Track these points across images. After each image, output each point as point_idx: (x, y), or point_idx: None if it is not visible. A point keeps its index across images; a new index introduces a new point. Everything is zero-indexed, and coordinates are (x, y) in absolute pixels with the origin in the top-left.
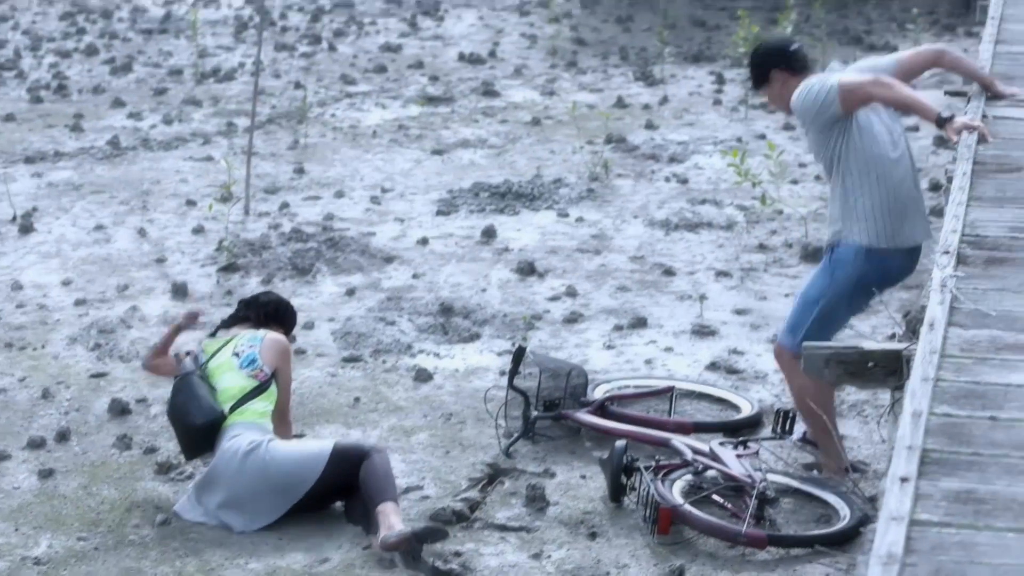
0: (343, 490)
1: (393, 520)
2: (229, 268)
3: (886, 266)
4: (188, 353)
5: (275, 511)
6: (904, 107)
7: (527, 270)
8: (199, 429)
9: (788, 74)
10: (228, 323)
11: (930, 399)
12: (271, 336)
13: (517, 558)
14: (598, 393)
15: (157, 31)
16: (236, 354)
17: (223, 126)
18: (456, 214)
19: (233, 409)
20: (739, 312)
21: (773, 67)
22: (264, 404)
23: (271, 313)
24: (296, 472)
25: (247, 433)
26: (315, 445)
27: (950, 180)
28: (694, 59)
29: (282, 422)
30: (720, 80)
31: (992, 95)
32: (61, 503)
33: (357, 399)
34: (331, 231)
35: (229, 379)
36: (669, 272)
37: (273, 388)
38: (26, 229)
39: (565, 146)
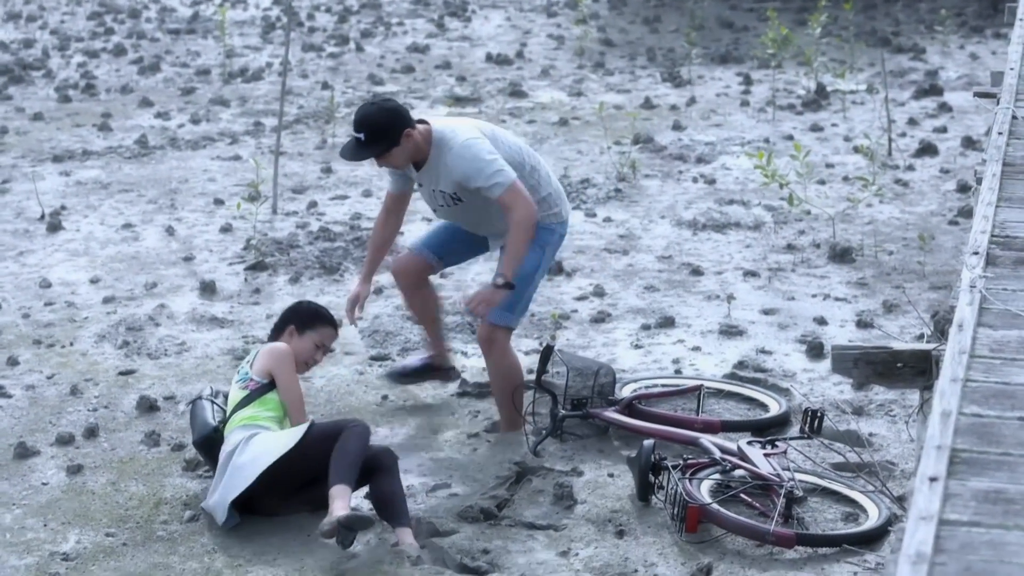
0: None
1: (335, 505)
2: (257, 267)
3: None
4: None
5: (245, 480)
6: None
7: (555, 269)
8: (199, 446)
9: (413, 130)
10: None
11: (959, 399)
12: (266, 346)
13: (545, 556)
14: (626, 392)
15: (185, 31)
16: (237, 370)
17: (251, 126)
18: None
19: (226, 421)
20: (767, 312)
21: (407, 126)
22: (254, 410)
23: (278, 324)
24: (267, 448)
25: (234, 436)
26: (291, 429)
27: (979, 181)
28: (722, 60)
29: (296, 412)
30: (748, 81)
31: None
32: (89, 499)
33: (385, 397)
34: (359, 230)
35: (231, 396)
36: (697, 272)
37: (269, 396)
38: (54, 227)
39: (593, 146)
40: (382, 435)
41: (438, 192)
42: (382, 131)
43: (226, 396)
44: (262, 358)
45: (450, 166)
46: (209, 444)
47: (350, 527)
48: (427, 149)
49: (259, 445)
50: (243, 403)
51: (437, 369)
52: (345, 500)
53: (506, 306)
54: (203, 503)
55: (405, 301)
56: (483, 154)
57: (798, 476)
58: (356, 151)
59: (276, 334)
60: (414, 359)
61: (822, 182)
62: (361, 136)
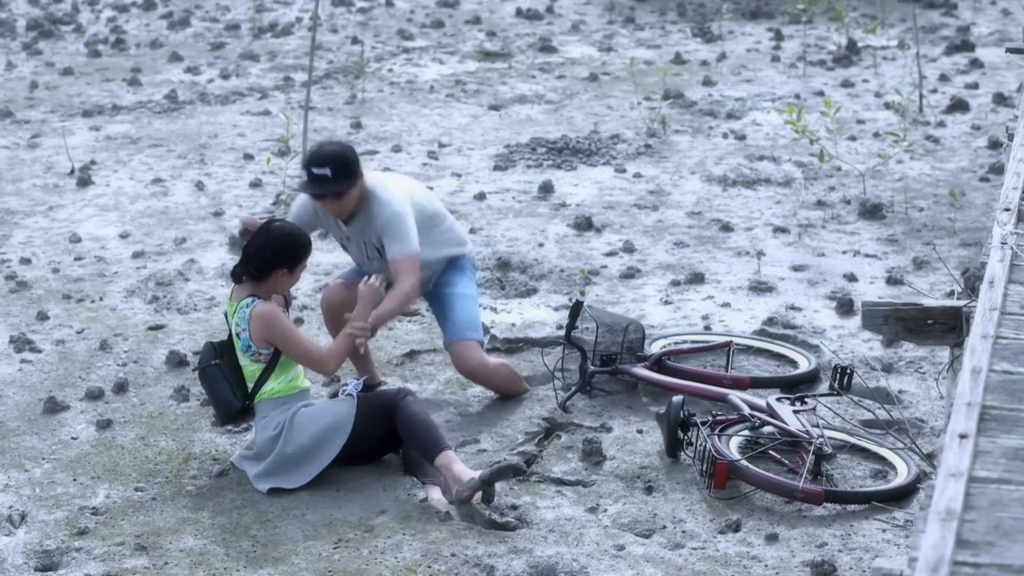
0: (387, 440)
1: (457, 470)
2: None
3: None
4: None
5: (306, 475)
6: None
7: (584, 225)
8: (225, 422)
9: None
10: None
11: (990, 356)
12: (254, 315)
13: (573, 511)
14: (655, 348)
15: None
16: (237, 335)
17: (280, 80)
18: (513, 169)
19: (252, 394)
20: (796, 268)
21: (361, 169)
22: (276, 381)
23: (263, 265)
24: (320, 443)
25: (273, 415)
26: (339, 413)
27: (1011, 137)
28: (752, 15)
29: (314, 367)
30: (778, 36)
31: None
32: (119, 454)
33: (413, 352)
34: None
35: (241, 360)
36: (727, 228)
37: (283, 359)
38: (84, 182)
39: (623, 102)
40: (386, 387)
41: (369, 244)
42: (348, 167)
43: (225, 344)
44: (256, 329)
45: (376, 216)
46: (237, 418)
47: (492, 482)
48: (361, 200)
49: (312, 440)
50: (263, 377)
51: (373, 387)
52: (460, 463)
53: (474, 327)
54: (248, 470)
55: (331, 331)
56: (407, 218)
57: (827, 433)
58: (323, 185)
59: (262, 275)
60: (350, 387)
61: (853, 138)
62: (327, 171)
